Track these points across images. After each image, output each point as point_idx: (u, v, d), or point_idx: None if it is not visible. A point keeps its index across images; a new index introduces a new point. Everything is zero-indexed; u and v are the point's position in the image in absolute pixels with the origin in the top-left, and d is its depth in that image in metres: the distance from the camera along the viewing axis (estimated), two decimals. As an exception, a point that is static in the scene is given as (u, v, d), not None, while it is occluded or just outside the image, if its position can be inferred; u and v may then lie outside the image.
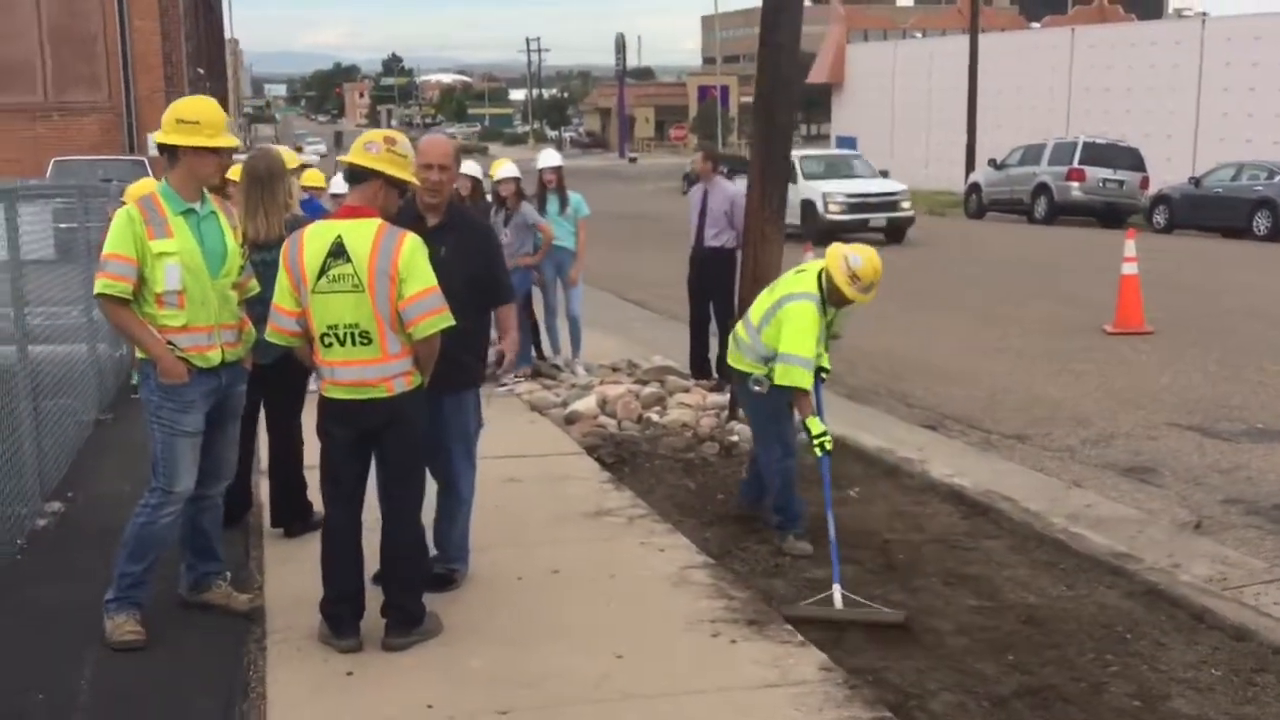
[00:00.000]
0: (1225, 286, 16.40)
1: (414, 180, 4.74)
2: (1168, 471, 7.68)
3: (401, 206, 5.39)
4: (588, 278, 11.36)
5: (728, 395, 9.15)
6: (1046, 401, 9.71)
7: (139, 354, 4.79)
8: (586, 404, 9.13)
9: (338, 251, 4.47)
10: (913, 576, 5.86)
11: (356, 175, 4.62)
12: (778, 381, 5.95)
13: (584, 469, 7.53)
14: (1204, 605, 5.39)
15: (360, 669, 4.48)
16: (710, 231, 10.45)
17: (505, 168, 10.28)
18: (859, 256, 5.93)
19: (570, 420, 8.87)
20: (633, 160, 78.83)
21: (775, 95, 8.64)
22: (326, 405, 4.66)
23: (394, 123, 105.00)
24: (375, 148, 4.59)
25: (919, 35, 61.51)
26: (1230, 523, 6.68)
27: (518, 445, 7.99)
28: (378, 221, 4.55)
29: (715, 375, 9.91)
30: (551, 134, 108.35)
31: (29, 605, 5.13)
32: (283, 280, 4.60)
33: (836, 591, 5.42)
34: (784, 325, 5.94)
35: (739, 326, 6.45)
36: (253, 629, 4.93)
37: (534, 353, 10.79)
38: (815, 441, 5.94)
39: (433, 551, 5.41)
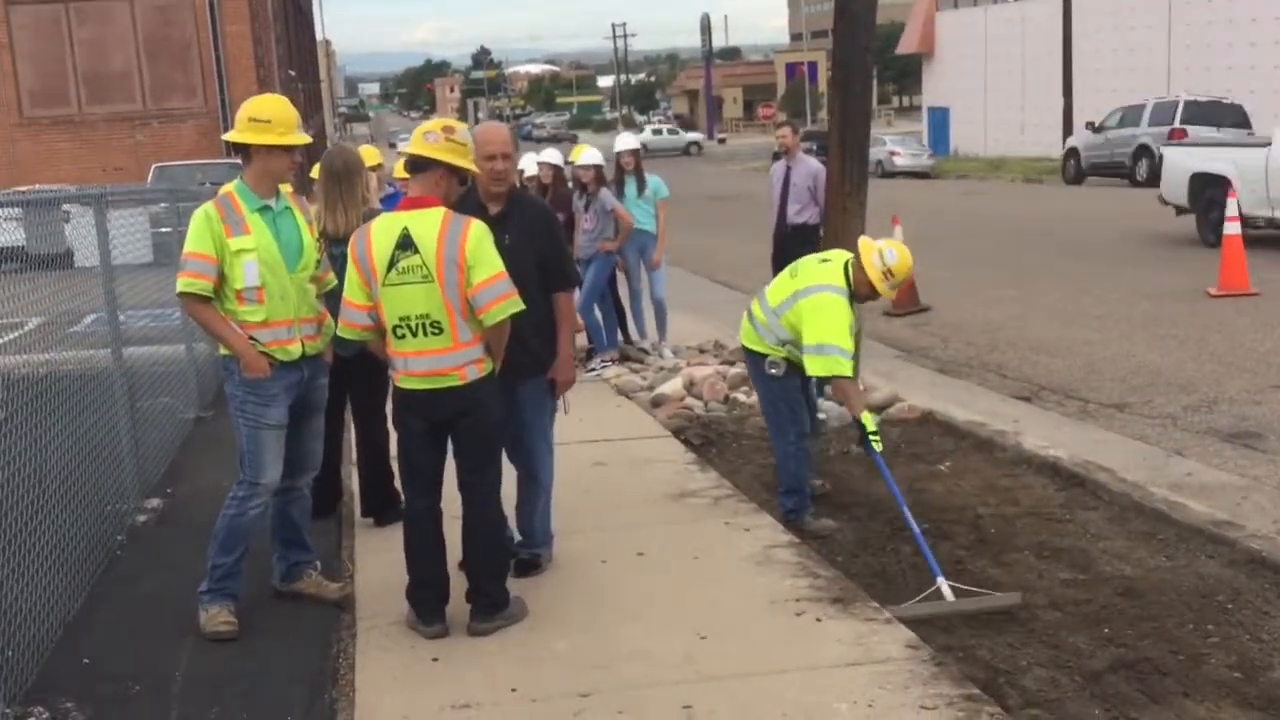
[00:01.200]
0: (1338, 243, 15.76)
1: (474, 168, 4.75)
2: (1274, 437, 7.41)
3: (463, 196, 5.43)
4: (672, 260, 11.34)
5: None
6: (1147, 368, 9.43)
7: (222, 350, 4.89)
8: (673, 386, 9.11)
9: (405, 243, 4.50)
10: (1005, 550, 5.75)
11: (418, 165, 4.64)
12: (816, 372, 5.93)
13: (670, 451, 7.52)
14: (1311, 573, 5.20)
15: (446, 654, 4.53)
16: (793, 208, 10.37)
17: (585, 153, 10.28)
18: (894, 252, 5.90)
19: (656, 403, 8.86)
20: (721, 141, 78.48)
21: (852, 66, 8.55)
22: (400, 396, 4.70)
23: (482, 115, 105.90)
24: (434, 137, 4.61)
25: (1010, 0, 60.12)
26: (1340, 487, 6.43)
27: (604, 429, 8.01)
28: (442, 210, 4.57)
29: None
30: (640, 118, 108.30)
31: (128, 597, 5.28)
32: (352, 275, 4.64)
33: (943, 585, 5.20)
34: (812, 316, 5.85)
35: (754, 306, 6.34)
36: (343, 617, 5.01)
37: (620, 337, 10.81)
38: (871, 437, 5.86)
39: (517, 537, 5.45)
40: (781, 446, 6.31)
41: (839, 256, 6.14)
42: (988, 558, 5.67)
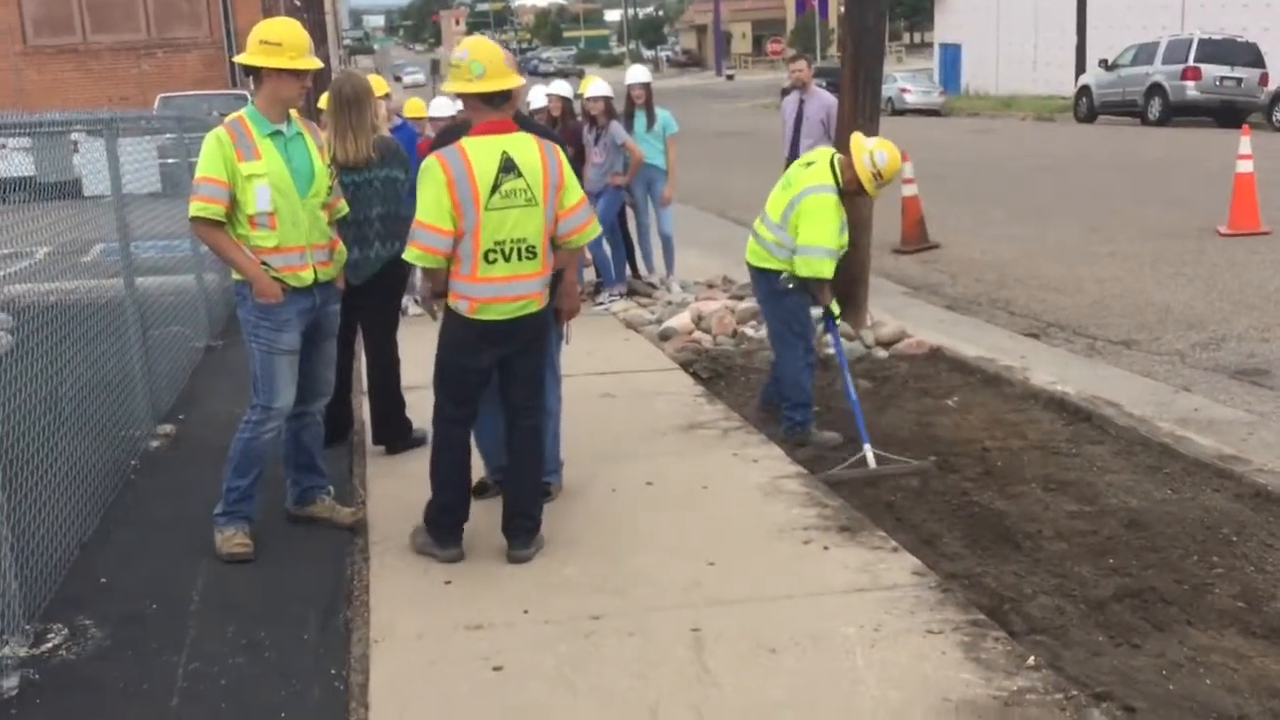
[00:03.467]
0: (1350, 183, 15.65)
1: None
2: (1281, 373, 7.43)
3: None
4: (682, 195, 11.29)
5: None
6: (1156, 306, 9.43)
7: (235, 275, 4.90)
8: (681, 320, 9.12)
9: (508, 166, 4.46)
10: (1011, 483, 5.79)
11: (506, 95, 4.59)
12: (800, 272, 6.12)
13: (678, 384, 7.55)
14: (1316, 507, 5.23)
15: (458, 578, 4.58)
16: (805, 142, 10.30)
17: (594, 85, 10.19)
18: (884, 154, 6.11)
19: (665, 337, 8.88)
20: (730, 78, 77.73)
21: (865, 1, 8.43)
22: (477, 328, 4.57)
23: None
24: (510, 60, 4.62)
25: (1025, -66, 59.15)
26: (1347, 424, 6.45)
27: (612, 362, 8.04)
28: (532, 136, 4.60)
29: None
30: (648, 54, 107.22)
31: (143, 521, 5.34)
32: (441, 198, 4.43)
33: (868, 452, 5.93)
34: (806, 217, 6.09)
35: (759, 226, 6.46)
36: (356, 541, 5.06)
37: (628, 271, 10.80)
38: (834, 317, 6.46)
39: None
40: (790, 361, 6.44)
41: (823, 156, 6.31)
42: (994, 489, 5.71)
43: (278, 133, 4.86)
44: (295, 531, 5.15)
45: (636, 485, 5.63)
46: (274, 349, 4.84)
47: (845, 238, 6.16)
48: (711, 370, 8.05)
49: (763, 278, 6.44)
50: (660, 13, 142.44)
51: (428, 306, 4.99)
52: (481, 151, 4.49)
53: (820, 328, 6.83)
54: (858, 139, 6.27)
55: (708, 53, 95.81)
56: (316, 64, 4.91)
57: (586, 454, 5.96)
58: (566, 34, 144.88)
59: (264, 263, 4.79)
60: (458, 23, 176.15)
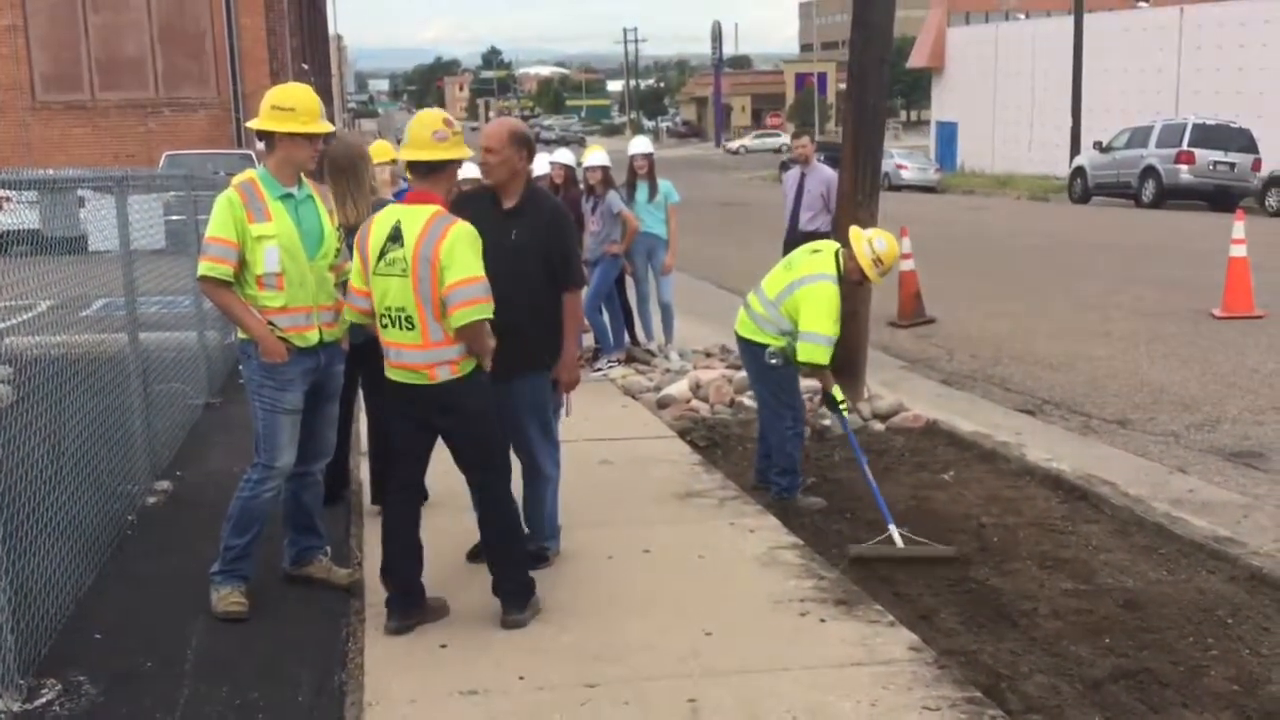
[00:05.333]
0: (1342, 269, 15.81)
1: (469, 155, 4.83)
2: (1275, 456, 7.47)
3: (480, 191, 5.48)
4: (680, 264, 11.38)
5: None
6: (1150, 386, 9.49)
7: (240, 335, 4.94)
8: (679, 388, 9.16)
9: (395, 235, 4.56)
10: (1008, 560, 5.80)
11: (432, 168, 4.66)
12: (800, 358, 6.33)
13: (675, 452, 7.57)
14: (1311, 591, 5.24)
15: (454, 641, 4.57)
16: (805, 215, 10.44)
17: (593, 155, 10.34)
18: (883, 241, 6.42)
19: (663, 404, 8.91)
20: (739, 152, 78.54)
21: (868, 77, 8.59)
22: (391, 387, 4.75)
23: (491, 115, 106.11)
24: (443, 135, 4.64)
25: (1021, 17, 60.24)
26: (1341, 508, 6.48)
27: (610, 429, 8.07)
28: (434, 208, 4.59)
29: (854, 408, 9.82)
30: (648, 124, 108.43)
31: (140, 577, 5.33)
32: (355, 262, 4.73)
33: (894, 532, 5.95)
34: (806, 304, 6.28)
35: (752, 299, 6.65)
36: (352, 602, 5.05)
37: (627, 338, 10.87)
38: (841, 406, 6.61)
39: (525, 530, 5.50)
40: (779, 431, 6.61)
41: (828, 246, 6.57)
42: (990, 566, 5.72)
43: (289, 195, 4.94)
44: (291, 592, 5.14)
45: (633, 552, 5.63)
46: (277, 408, 4.87)
47: (837, 327, 6.35)
48: (709, 439, 8.08)
49: (750, 349, 6.64)
50: (662, 84, 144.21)
51: None
52: (383, 219, 4.65)
53: (822, 408, 7.08)
54: (855, 230, 6.58)
55: (708, 124, 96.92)
56: (329, 127, 5.00)
57: (584, 520, 5.97)
58: (569, 103, 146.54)
59: (270, 322, 4.84)
60: (461, 89, 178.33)
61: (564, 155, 10.77)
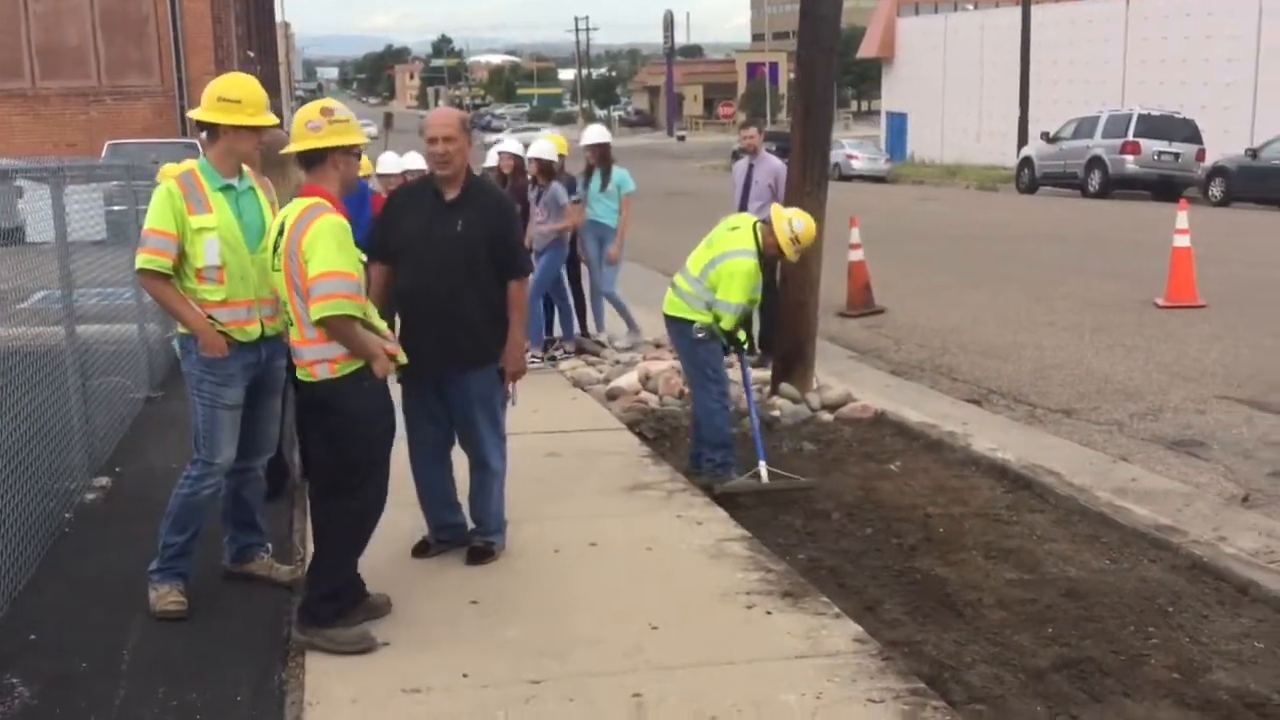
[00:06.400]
0: (1282, 259, 16.08)
1: (362, 140, 4.60)
2: (1216, 445, 7.57)
3: (422, 182, 5.43)
4: (632, 255, 11.36)
5: (770, 370, 9.14)
6: (1095, 375, 9.58)
7: (180, 329, 4.85)
8: (628, 380, 9.14)
9: (281, 229, 4.47)
10: (953, 550, 5.83)
11: (310, 159, 4.52)
12: (727, 327, 6.66)
13: (624, 444, 7.55)
14: (1249, 578, 5.32)
15: (397, 639, 4.52)
16: (754, 205, 10.40)
17: (534, 146, 10.30)
18: (801, 222, 6.81)
19: (612, 396, 8.89)
20: (681, 139, 78.60)
21: (816, 67, 8.60)
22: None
23: (441, 103, 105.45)
24: (316, 125, 4.47)
25: (970, 8, 60.71)
26: (1278, 495, 6.57)
27: (558, 421, 8.03)
28: (310, 200, 4.44)
29: (758, 350, 9.87)
30: (600, 113, 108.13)
31: (76, 575, 5.24)
32: None
33: (762, 468, 6.59)
34: (726, 278, 6.59)
35: (678, 279, 6.95)
36: (293, 599, 4.97)
37: (577, 329, 10.84)
38: (743, 342, 6.92)
39: (470, 525, 5.46)
40: (705, 402, 6.82)
41: (745, 222, 6.92)
42: (935, 556, 5.75)
43: (229, 187, 4.86)
44: (232, 589, 5.06)
45: (580, 546, 5.61)
46: (218, 403, 4.79)
47: (756, 294, 6.77)
48: (657, 431, 8.07)
49: (678, 326, 6.85)
50: (614, 73, 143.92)
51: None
52: (283, 214, 4.55)
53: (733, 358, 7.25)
54: (777, 208, 7.03)
55: (660, 113, 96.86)
56: (274, 120, 4.92)
57: (531, 514, 5.94)
58: (520, 91, 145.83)
59: (210, 316, 4.76)
60: (412, 77, 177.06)
61: (512, 144, 10.71)
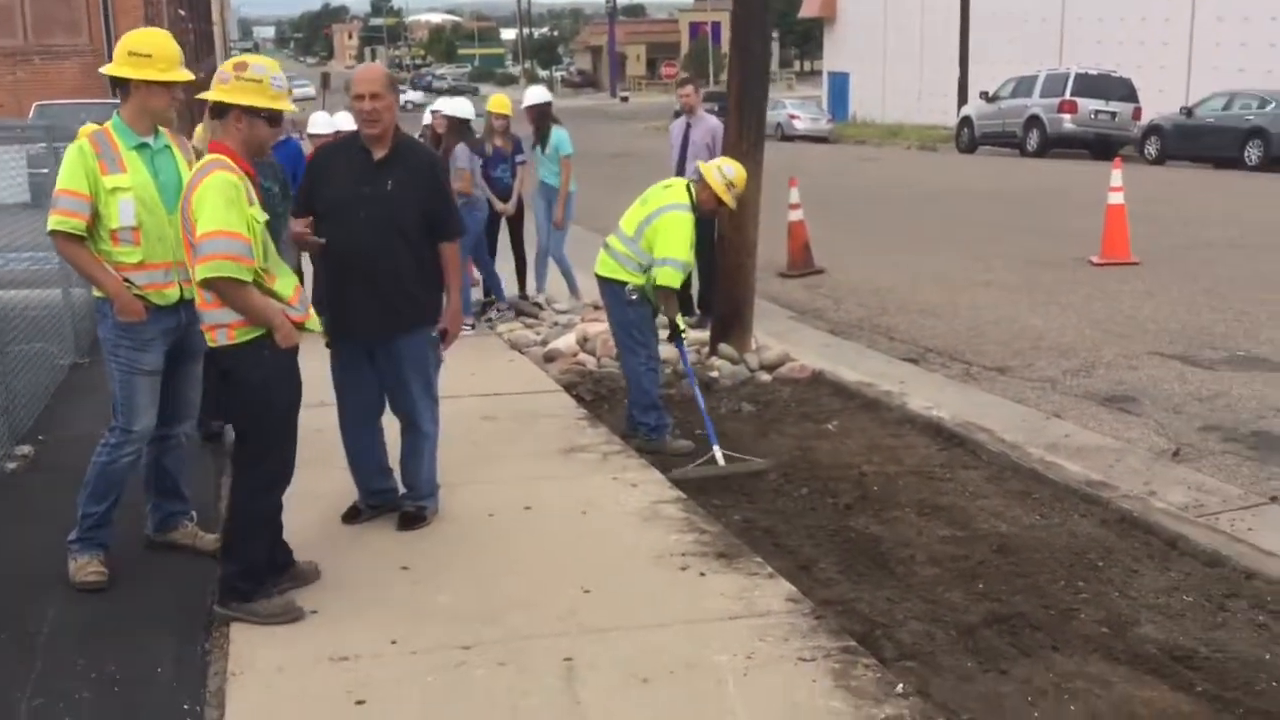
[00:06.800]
0: (1213, 217, 16.29)
1: (271, 104, 4.37)
2: (1148, 400, 7.65)
3: (349, 140, 5.31)
4: (576, 217, 11.29)
5: (709, 331, 9.11)
6: (1029, 333, 9.65)
7: (96, 292, 4.72)
8: (566, 342, 9.08)
9: (183, 189, 4.33)
10: (887, 508, 5.84)
11: (216, 109, 4.35)
12: (660, 282, 6.56)
13: (560, 406, 7.49)
14: (1178, 532, 5.38)
15: (325, 607, 4.45)
16: (691, 165, 10.33)
17: (442, 101, 10.19)
18: (731, 167, 6.80)
19: (549, 358, 8.82)
20: (624, 99, 78.12)
21: (750, 24, 8.53)
22: None
23: (379, 62, 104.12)
24: (225, 77, 4.30)
25: (912, -33, 60.55)
26: (1208, 449, 6.65)
27: (495, 383, 7.95)
28: (211, 156, 4.26)
29: (696, 311, 9.85)
30: (543, 73, 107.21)
31: (-6, 547, 5.10)
32: None
33: (717, 452, 6.38)
34: (663, 233, 6.55)
35: (611, 239, 6.85)
36: (218, 569, 4.88)
37: (519, 290, 10.81)
38: (680, 334, 6.96)
39: (401, 489, 5.39)
40: (634, 365, 6.78)
41: (678, 182, 6.92)
42: (870, 514, 5.76)
43: (144, 145, 4.72)
44: (155, 559, 4.97)
45: (514, 510, 5.55)
46: (135, 369, 4.66)
47: (692, 255, 6.73)
48: (595, 393, 8.02)
49: (610, 288, 6.79)
50: (556, 33, 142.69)
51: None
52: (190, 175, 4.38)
53: (665, 336, 7.24)
54: (702, 163, 7.04)
55: (603, 74, 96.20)
56: (187, 76, 4.76)
57: (466, 477, 5.87)
58: (461, 51, 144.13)
59: (127, 279, 4.63)
60: (350, 37, 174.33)
61: (445, 104, 10.54)
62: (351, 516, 5.34)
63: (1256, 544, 5.25)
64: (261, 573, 4.39)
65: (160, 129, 4.80)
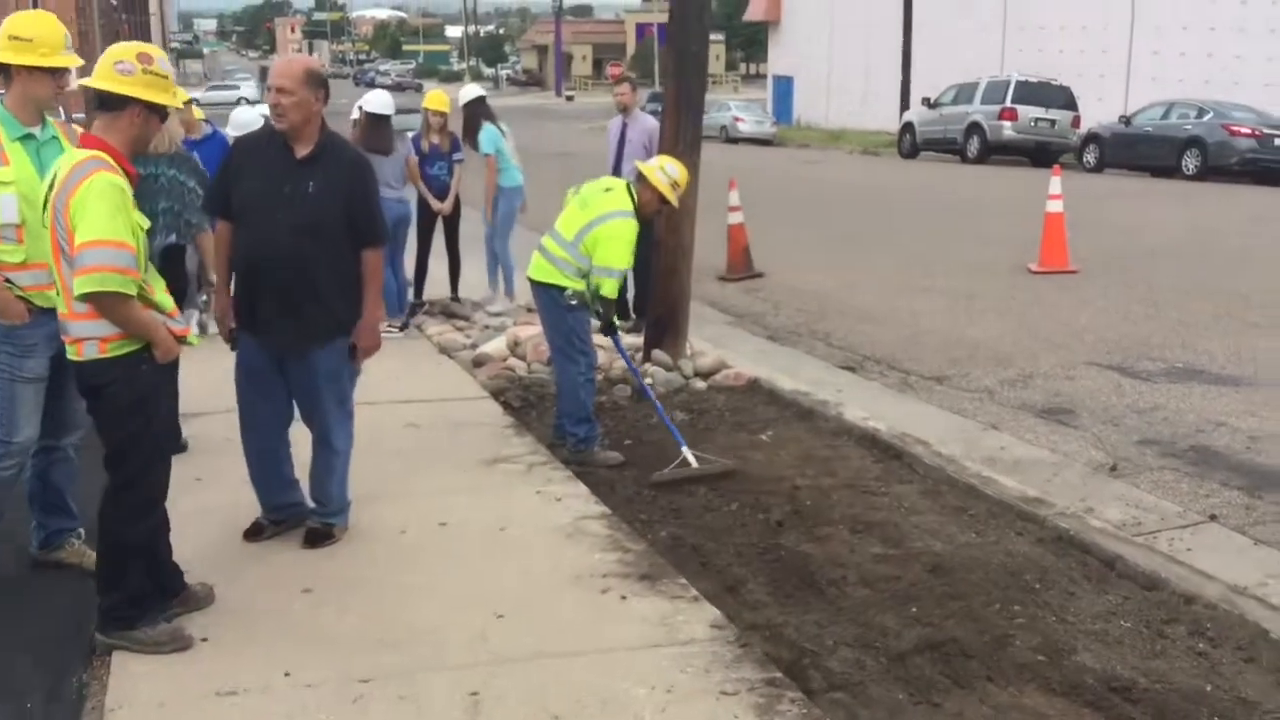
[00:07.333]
0: (1151, 226, 16.34)
1: (173, 102, 4.09)
2: (1085, 412, 7.52)
3: (268, 133, 5.00)
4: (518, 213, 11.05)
5: (643, 337, 8.88)
6: (967, 342, 9.52)
7: (-24, 294, 4.39)
8: (496, 346, 8.80)
9: (51, 184, 3.92)
10: (819, 524, 5.63)
11: (106, 102, 3.94)
12: (605, 293, 6.37)
13: (487, 414, 7.22)
14: (1115, 552, 5.22)
15: (217, 634, 4.15)
16: (628, 165, 10.11)
17: (366, 97, 9.92)
18: (673, 166, 6.58)
19: (478, 363, 8.54)
20: (569, 99, 77.80)
21: (689, 26, 8.33)
22: None
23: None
24: (128, 68, 3.91)
25: (857, -28, 60.78)
26: (1146, 464, 6.53)
27: (419, 389, 7.67)
28: (89, 153, 3.88)
29: (632, 316, 9.62)
30: (488, 72, 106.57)
31: None
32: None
33: (687, 453, 6.30)
34: (606, 241, 6.29)
35: (547, 242, 6.54)
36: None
37: (451, 292, 10.55)
38: (615, 329, 6.75)
39: (310, 504, 5.10)
40: (571, 376, 6.50)
41: (618, 184, 6.67)
42: (801, 530, 5.55)
43: (29, 136, 4.40)
44: (38, 579, 4.66)
45: (429, 526, 5.28)
46: (16, 376, 4.35)
47: (630, 260, 6.51)
48: (523, 399, 7.75)
49: (546, 293, 6.49)
50: (502, 31, 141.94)
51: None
52: (57, 165, 3.99)
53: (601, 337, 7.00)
54: (641, 164, 6.73)
55: (549, 73, 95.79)
56: (74, 61, 4.45)
57: (381, 491, 5.59)
58: (406, 48, 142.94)
59: (8, 280, 4.33)
60: (293, 30, 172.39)
61: (366, 99, 10.23)
62: (254, 534, 5.04)
63: (1195, 565, 5.10)
64: (147, 598, 4.08)
65: (48, 119, 4.49)
